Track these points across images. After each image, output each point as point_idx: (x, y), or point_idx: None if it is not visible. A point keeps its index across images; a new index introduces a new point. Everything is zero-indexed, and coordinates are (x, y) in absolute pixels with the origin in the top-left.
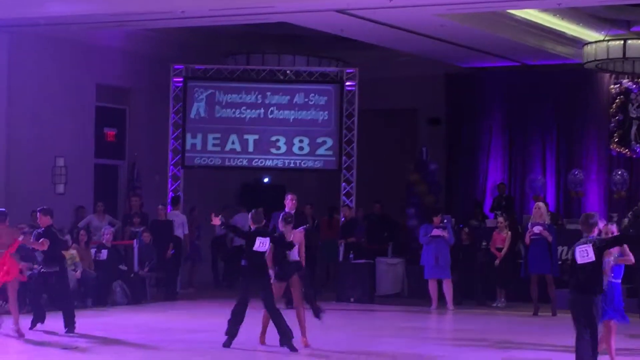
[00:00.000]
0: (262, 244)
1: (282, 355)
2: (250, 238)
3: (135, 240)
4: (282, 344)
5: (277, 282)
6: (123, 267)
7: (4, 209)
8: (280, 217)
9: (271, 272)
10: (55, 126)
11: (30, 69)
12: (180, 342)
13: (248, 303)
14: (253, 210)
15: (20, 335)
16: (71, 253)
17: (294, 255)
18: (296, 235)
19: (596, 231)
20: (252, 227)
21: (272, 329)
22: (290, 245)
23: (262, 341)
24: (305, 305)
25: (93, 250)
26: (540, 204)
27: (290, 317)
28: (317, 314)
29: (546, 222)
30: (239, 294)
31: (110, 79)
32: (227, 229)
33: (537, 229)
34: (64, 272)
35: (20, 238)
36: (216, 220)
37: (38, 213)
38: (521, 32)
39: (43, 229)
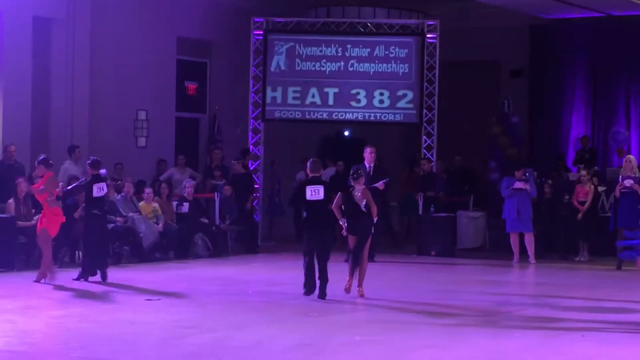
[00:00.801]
0: (314, 192)
1: (359, 305)
2: (301, 188)
3: (216, 193)
4: (320, 295)
5: (349, 234)
6: (204, 220)
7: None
8: (351, 172)
9: (342, 223)
10: (137, 80)
11: (111, 22)
12: (261, 295)
13: (314, 253)
14: (311, 159)
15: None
16: (153, 205)
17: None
18: (362, 191)
19: None
20: (309, 175)
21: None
22: (345, 187)
23: (360, 293)
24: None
25: (175, 203)
26: (631, 156)
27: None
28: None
29: (637, 175)
30: (304, 246)
31: (191, 32)
32: (293, 205)
33: (627, 182)
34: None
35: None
36: None
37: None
38: None
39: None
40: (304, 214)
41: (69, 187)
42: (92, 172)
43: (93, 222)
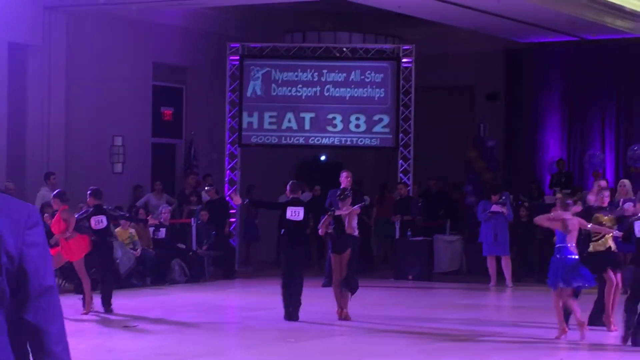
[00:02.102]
0: (294, 213)
1: (345, 328)
2: (283, 207)
3: (193, 218)
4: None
5: (333, 255)
6: (181, 246)
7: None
8: (337, 193)
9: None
10: (113, 105)
11: (87, 48)
12: (238, 320)
13: (294, 273)
14: (291, 181)
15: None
16: (130, 232)
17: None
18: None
19: None
20: (288, 196)
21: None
22: (323, 209)
23: (343, 316)
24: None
25: (151, 229)
26: (625, 180)
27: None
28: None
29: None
30: (282, 266)
31: (167, 57)
32: (253, 205)
33: (627, 206)
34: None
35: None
36: (237, 199)
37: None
38: (580, 6)
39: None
40: (281, 232)
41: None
42: (93, 203)
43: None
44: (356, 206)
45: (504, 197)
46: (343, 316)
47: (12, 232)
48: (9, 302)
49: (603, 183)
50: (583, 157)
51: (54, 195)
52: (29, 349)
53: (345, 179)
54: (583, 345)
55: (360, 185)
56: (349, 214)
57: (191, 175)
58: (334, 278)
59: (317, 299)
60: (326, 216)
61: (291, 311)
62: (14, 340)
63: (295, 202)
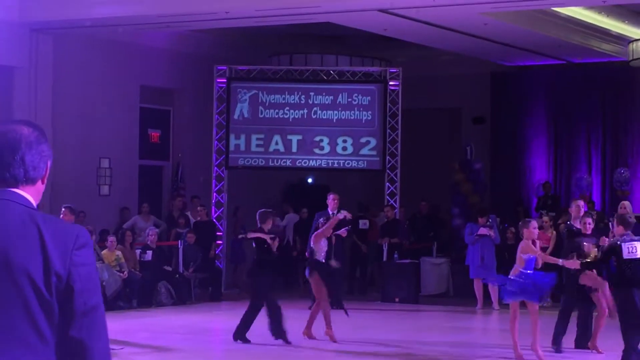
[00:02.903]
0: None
1: (327, 352)
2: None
3: (179, 241)
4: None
5: (310, 277)
6: (168, 268)
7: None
8: (322, 219)
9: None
10: (100, 127)
11: (74, 70)
12: (224, 343)
13: (270, 298)
14: (261, 210)
15: None
16: (116, 254)
17: (321, 253)
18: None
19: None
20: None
21: (318, 321)
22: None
23: (330, 336)
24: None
25: (138, 251)
26: (626, 202)
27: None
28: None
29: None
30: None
31: (154, 80)
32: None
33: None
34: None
35: None
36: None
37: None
38: (566, 30)
39: None
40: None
41: None
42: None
43: None
44: (342, 229)
45: (490, 220)
46: (331, 337)
47: (60, 253)
48: (57, 320)
49: (581, 203)
50: (569, 180)
51: (65, 206)
52: None
53: (332, 201)
54: None
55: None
56: (315, 236)
57: (178, 198)
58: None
59: (304, 321)
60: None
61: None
62: (60, 357)
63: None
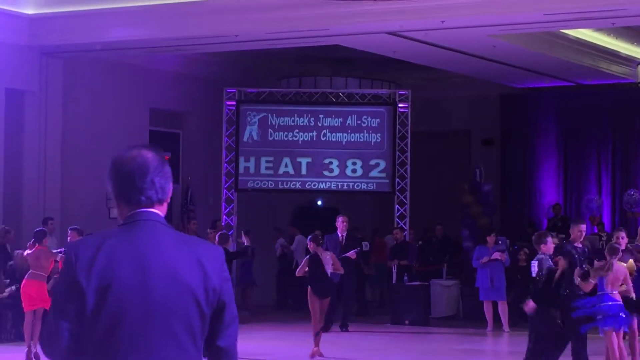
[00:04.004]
0: None
1: None
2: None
3: None
4: None
5: (313, 296)
6: None
7: (43, 228)
8: (309, 238)
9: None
10: (109, 151)
11: (84, 93)
12: None
13: None
14: (220, 233)
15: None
16: None
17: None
18: (330, 256)
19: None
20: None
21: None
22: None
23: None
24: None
25: None
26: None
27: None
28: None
29: None
30: None
31: (163, 103)
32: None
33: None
34: None
35: (59, 258)
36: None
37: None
38: (575, 52)
39: None
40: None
41: None
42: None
43: None
44: (351, 251)
45: (500, 242)
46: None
47: (214, 270)
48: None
49: (583, 227)
50: (580, 202)
51: (72, 228)
52: None
53: (341, 223)
54: None
55: (357, 231)
56: (330, 257)
57: (192, 221)
58: (313, 319)
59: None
60: (305, 258)
61: None
62: None
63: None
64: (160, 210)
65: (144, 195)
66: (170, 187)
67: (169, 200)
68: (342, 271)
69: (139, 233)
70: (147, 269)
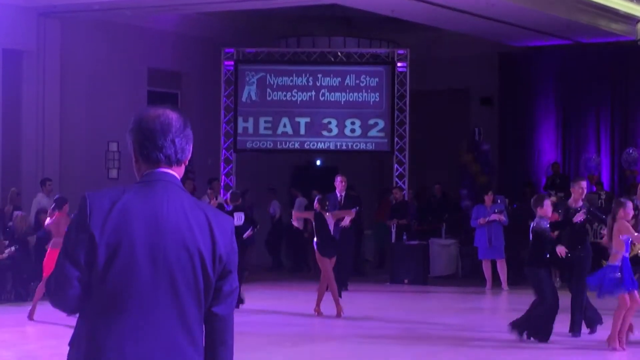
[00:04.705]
0: (237, 219)
1: (332, 334)
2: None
3: None
4: None
5: (320, 256)
6: None
7: (62, 195)
8: (317, 198)
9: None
10: (108, 111)
11: (82, 54)
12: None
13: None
14: (230, 191)
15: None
16: None
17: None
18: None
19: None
20: (229, 205)
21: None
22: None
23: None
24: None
25: None
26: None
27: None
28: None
29: None
30: None
31: (162, 63)
32: None
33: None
34: None
35: None
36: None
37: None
38: (574, 10)
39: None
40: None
41: None
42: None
43: None
44: (352, 210)
45: (499, 201)
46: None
47: (224, 239)
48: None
49: (584, 183)
50: (578, 161)
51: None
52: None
53: (339, 183)
54: (578, 348)
55: (353, 190)
56: (333, 215)
57: (188, 181)
58: (325, 278)
59: (313, 304)
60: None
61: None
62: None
63: (237, 209)
64: (177, 172)
65: (163, 153)
66: (189, 149)
67: (187, 162)
68: (349, 217)
69: (155, 193)
70: (160, 230)
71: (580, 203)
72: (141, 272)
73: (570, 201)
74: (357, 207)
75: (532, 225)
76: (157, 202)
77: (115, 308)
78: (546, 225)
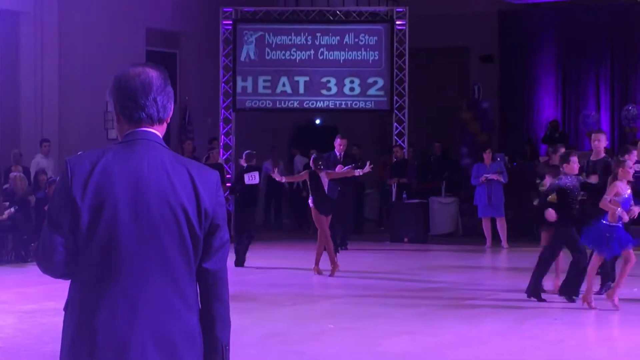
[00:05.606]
0: (251, 178)
1: (332, 294)
2: (240, 175)
3: None
4: None
5: (316, 214)
6: None
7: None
8: (312, 157)
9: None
10: (106, 71)
11: (80, 14)
12: (233, 285)
13: (245, 233)
14: (246, 152)
15: None
16: None
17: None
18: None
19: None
20: (245, 165)
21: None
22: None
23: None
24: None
25: None
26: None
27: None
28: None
29: None
30: (236, 223)
31: (160, 23)
32: (233, 193)
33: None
34: None
35: None
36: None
37: None
38: None
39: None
40: (237, 195)
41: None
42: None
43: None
44: (346, 167)
45: (499, 159)
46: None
47: (208, 193)
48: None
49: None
50: (578, 118)
51: None
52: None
53: (339, 145)
54: (576, 306)
55: (359, 149)
56: (327, 175)
57: (188, 141)
58: (322, 236)
59: (313, 263)
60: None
61: (241, 255)
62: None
63: (251, 169)
64: (159, 130)
65: (145, 112)
66: (171, 107)
67: (168, 120)
68: (351, 174)
69: (136, 153)
70: (142, 188)
71: (602, 155)
72: (126, 232)
73: (592, 157)
74: (353, 164)
75: (555, 183)
76: (138, 161)
77: (104, 270)
78: (573, 182)
